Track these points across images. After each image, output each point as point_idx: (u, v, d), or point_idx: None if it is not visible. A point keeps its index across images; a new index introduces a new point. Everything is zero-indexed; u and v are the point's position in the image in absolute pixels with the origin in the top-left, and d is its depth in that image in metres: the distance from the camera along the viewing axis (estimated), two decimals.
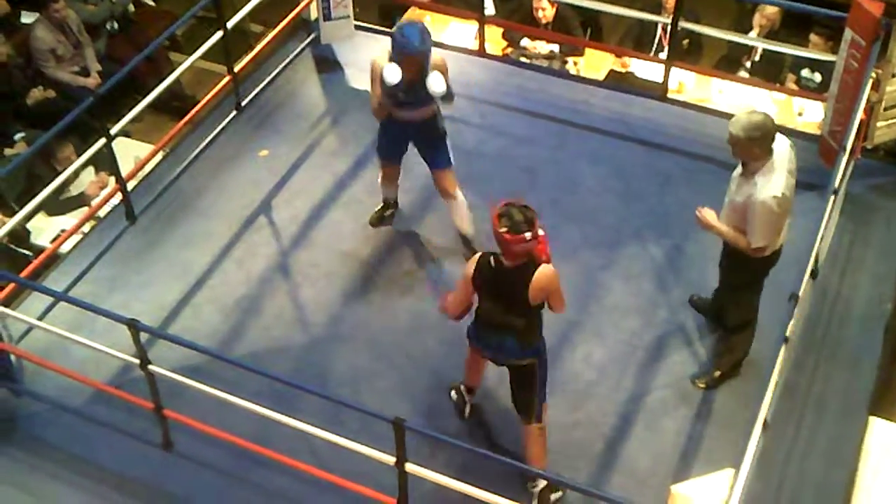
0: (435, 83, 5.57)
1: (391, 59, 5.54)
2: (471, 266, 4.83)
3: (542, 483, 5.08)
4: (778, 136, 4.93)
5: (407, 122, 5.87)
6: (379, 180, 6.37)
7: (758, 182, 4.88)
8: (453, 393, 5.52)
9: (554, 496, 5.14)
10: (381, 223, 6.48)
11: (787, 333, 4.74)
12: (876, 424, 5.35)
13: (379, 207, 6.48)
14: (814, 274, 5.56)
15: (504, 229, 4.54)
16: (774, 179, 4.86)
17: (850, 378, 5.58)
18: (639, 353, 5.78)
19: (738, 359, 5.59)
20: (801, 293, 4.87)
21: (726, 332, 5.64)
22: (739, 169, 5.05)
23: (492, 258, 4.77)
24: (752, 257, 5.10)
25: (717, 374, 5.62)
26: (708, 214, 5.17)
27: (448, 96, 5.71)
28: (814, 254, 5.22)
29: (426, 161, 6.05)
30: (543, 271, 4.68)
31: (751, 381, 5.44)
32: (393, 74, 5.52)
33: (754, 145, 4.83)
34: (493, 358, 5.06)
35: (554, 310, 4.89)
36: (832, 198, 5.44)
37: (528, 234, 4.54)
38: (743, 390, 5.49)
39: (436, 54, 5.66)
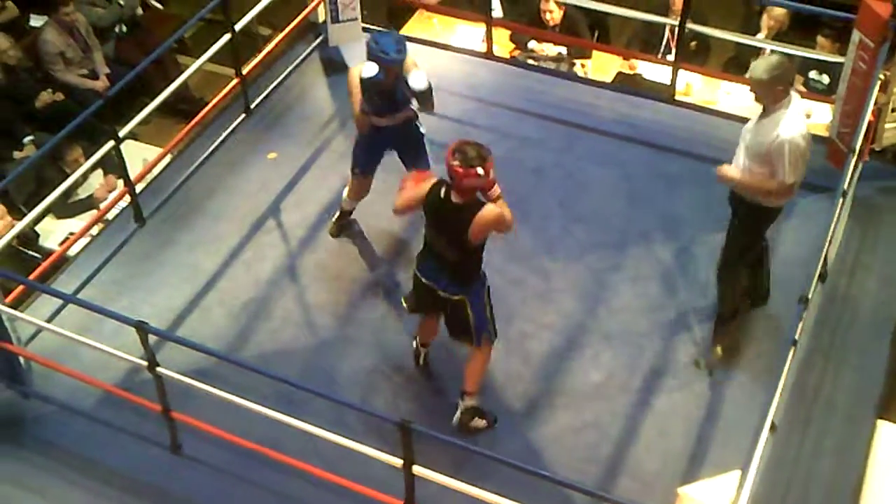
0: (417, 80, 5.65)
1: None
2: (426, 186, 4.97)
3: (471, 402, 5.27)
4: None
5: (386, 129, 5.93)
6: (346, 193, 6.36)
7: (781, 122, 5.05)
8: (413, 342, 5.68)
9: (476, 423, 5.32)
10: (342, 232, 6.48)
11: (796, 336, 4.74)
12: (884, 428, 5.34)
13: (337, 217, 6.48)
14: (822, 277, 5.56)
15: (456, 163, 4.67)
16: (795, 118, 5.08)
17: (858, 381, 5.57)
18: (646, 355, 5.77)
19: (731, 306, 5.69)
20: (809, 296, 4.86)
21: (717, 284, 5.76)
22: (753, 120, 5.23)
23: (443, 189, 4.89)
24: (766, 208, 5.30)
25: (719, 330, 5.72)
26: (728, 169, 5.31)
27: (428, 94, 5.71)
28: (822, 256, 5.22)
29: (406, 165, 6.09)
30: (486, 211, 4.78)
31: (759, 384, 5.43)
32: (370, 69, 5.60)
33: (778, 83, 5.04)
34: (431, 286, 5.14)
35: (502, 234, 5.02)
36: (840, 200, 5.44)
37: (479, 170, 4.66)
38: (751, 393, 5.48)
39: (409, 59, 5.74)
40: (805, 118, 5.14)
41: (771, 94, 5.08)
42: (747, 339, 5.76)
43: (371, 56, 5.61)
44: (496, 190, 4.88)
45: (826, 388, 5.53)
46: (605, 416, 5.51)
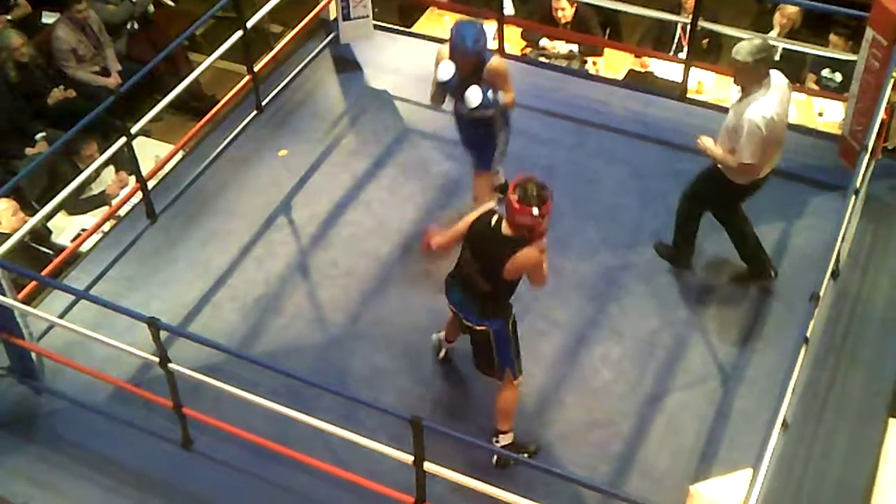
0: (471, 97, 5.61)
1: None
2: (474, 215, 4.93)
3: (506, 441, 5.21)
4: (777, 74, 5.40)
5: (461, 118, 5.95)
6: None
7: (751, 103, 5.31)
8: (434, 336, 5.72)
9: (523, 456, 5.19)
10: None
11: (808, 334, 4.72)
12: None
13: None
14: (834, 275, 5.54)
15: (515, 196, 4.64)
16: (766, 102, 5.30)
17: (870, 379, 5.55)
18: (657, 353, 5.77)
19: (752, 248, 5.98)
20: (821, 293, 4.85)
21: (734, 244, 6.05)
22: (737, 97, 5.49)
23: (494, 217, 4.84)
24: (732, 182, 5.60)
25: (752, 266, 6.05)
26: (706, 140, 5.63)
27: (483, 107, 5.64)
28: (834, 254, 5.20)
29: (472, 159, 6.11)
30: (527, 252, 4.73)
31: (770, 382, 5.41)
32: (445, 71, 5.61)
33: (761, 66, 5.28)
34: (455, 311, 5.15)
35: (533, 285, 4.98)
36: (853, 198, 5.41)
37: (535, 210, 4.62)
38: (762, 390, 5.48)
39: (498, 61, 5.73)
40: (779, 107, 5.33)
41: (754, 76, 5.31)
42: (759, 335, 5.76)
43: (450, 42, 5.62)
44: (543, 242, 4.81)
45: (838, 385, 5.52)
46: (616, 414, 5.50)
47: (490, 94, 5.64)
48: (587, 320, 5.94)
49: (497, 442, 5.24)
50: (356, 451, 4.78)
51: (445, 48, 5.70)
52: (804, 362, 4.81)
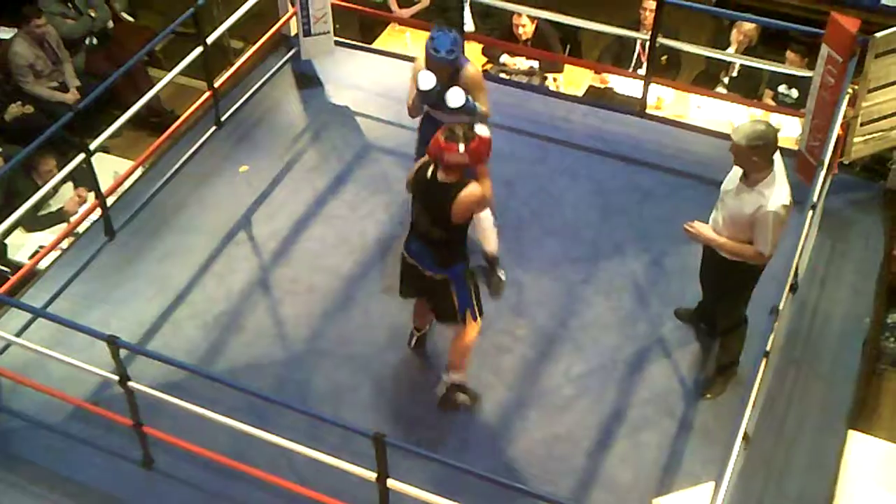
0: (452, 97, 5.60)
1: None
2: (413, 170, 5.17)
3: (456, 377, 5.42)
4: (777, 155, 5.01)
5: (440, 123, 5.89)
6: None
7: (765, 193, 4.94)
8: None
9: (458, 398, 5.48)
10: None
11: (768, 347, 4.76)
12: (855, 438, 5.39)
13: None
14: (793, 288, 5.60)
15: (443, 137, 4.84)
16: (781, 189, 4.96)
17: (829, 391, 5.61)
18: (619, 368, 5.79)
19: (735, 356, 5.60)
20: (781, 307, 4.89)
21: (720, 337, 5.65)
22: (734, 181, 5.09)
23: (430, 168, 5.01)
24: (751, 265, 5.17)
25: (719, 378, 5.65)
26: (702, 227, 5.22)
27: (467, 112, 5.63)
28: (793, 268, 5.25)
29: None
30: (467, 192, 4.90)
31: (732, 395, 5.46)
32: (426, 81, 5.58)
33: (754, 154, 4.90)
34: (413, 262, 5.25)
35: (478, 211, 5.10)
36: (810, 213, 5.48)
37: (461, 147, 4.81)
38: (724, 404, 5.51)
39: (474, 69, 5.75)
40: (788, 185, 5.00)
41: (747, 162, 4.95)
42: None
43: (426, 50, 5.60)
44: (483, 169, 5.06)
45: (798, 398, 5.57)
46: (578, 429, 5.51)
47: (470, 98, 5.65)
48: (549, 335, 5.96)
49: (446, 377, 5.45)
50: (319, 468, 4.76)
51: (421, 59, 5.70)
52: (764, 375, 4.86)
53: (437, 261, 5.17)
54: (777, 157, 5.01)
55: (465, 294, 5.25)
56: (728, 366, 5.63)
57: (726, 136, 5.41)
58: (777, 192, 4.94)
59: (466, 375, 5.54)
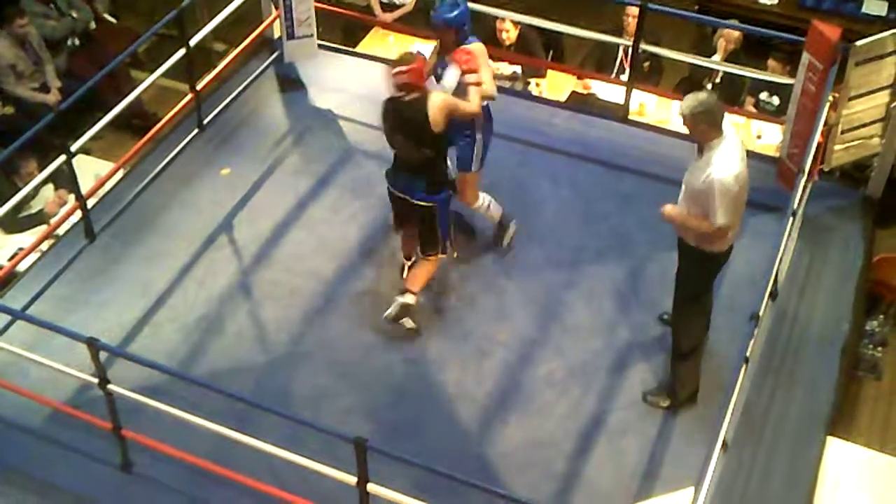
0: (447, 77, 5.67)
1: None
2: (382, 105, 5.61)
3: (409, 300, 5.80)
4: (732, 128, 5.13)
5: None
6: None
7: (714, 162, 5.00)
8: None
9: (406, 322, 5.87)
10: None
11: (747, 354, 4.78)
12: (833, 444, 5.42)
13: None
14: (773, 295, 5.62)
15: (391, 66, 5.46)
16: (730, 158, 5.01)
17: (808, 398, 5.64)
18: (600, 373, 5.81)
19: (690, 392, 5.59)
20: (761, 313, 4.91)
21: (675, 361, 5.59)
22: (695, 157, 5.17)
23: (391, 98, 5.53)
24: (709, 254, 5.24)
25: (663, 396, 5.64)
26: (669, 208, 5.29)
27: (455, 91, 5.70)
28: (773, 275, 5.27)
29: None
30: (433, 98, 5.45)
31: (711, 402, 5.47)
32: (450, 78, 5.70)
33: (699, 121, 5.01)
34: (400, 195, 5.73)
35: (466, 115, 5.65)
36: (791, 219, 5.51)
37: (402, 68, 5.38)
38: (703, 410, 5.53)
39: (477, 46, 5.82)
40: (741, 159, 5.05)
41: (696, 132, 5.06)
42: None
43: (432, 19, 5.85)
44: (472, 77, 5.61)
45: (777, 405, 5.59)
46: (559, 434, 5.52)
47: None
48: (530, 340, 5.97)
49: (401, 298, 5.80)
50: (299, 472, 4.76)
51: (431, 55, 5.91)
52: (744, 382, 4.88)
53: (425, 188, 5.61)
54: (732, 133, 5.09)
55: (445, 224, 5.77)
56: (682, 353, 5.53)
57: None
58: (724, 162, 4.99)
59: (418, 301, 5.87)
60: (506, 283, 6.27)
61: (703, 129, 5.02)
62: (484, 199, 6.23)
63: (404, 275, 6.13)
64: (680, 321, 5.55)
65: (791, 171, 6.37)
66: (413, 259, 6.14)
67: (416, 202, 5.68)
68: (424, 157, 5.55)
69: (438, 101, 5.45)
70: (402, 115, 5.48)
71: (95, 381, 4.91)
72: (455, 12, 5.69)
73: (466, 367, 5.82)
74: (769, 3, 9.79)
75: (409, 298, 5.82)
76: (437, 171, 5.65)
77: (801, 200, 5.88)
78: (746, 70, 7.43)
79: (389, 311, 5.82)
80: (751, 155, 6.63)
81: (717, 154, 5.01)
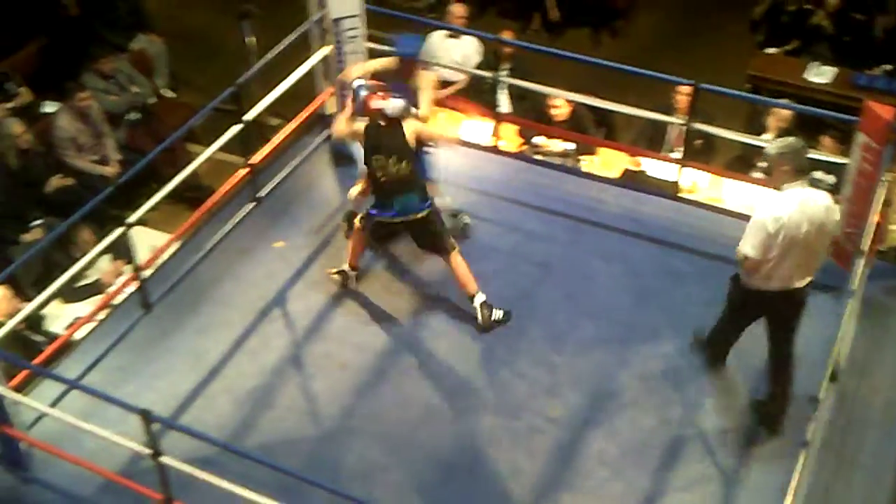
0: (391, 106, 6.15)
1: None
2: (360, 130, 6.24)
3: (481, 298, 6.28)
4: (820, 192, 5.31)
5: None
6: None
7: (771, 198, 5.23)
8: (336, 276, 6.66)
9: (495, 316, 6.34)
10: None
11: (808, 437, 4.69)
12: None
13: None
14: (833, 377, 5.53)
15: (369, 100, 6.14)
16: (785, 203, 5.17)
17: (869, 483, 5.50)
18: (654, 453, 5.72)
19: (711, 354, 6.06)
20: (821, 396, 4.83)
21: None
22: None
23: (373, 124, 6.16)
24: (740, 279, 5.48)
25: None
26: None
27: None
28: (833, 357, 5.19)
29: None
30: (408, 125, 6.13)
31: (771, 485, 5.36)
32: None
33: (784, 161, 5.18)
34: (400, 220, 6.24)
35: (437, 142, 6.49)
36: (849, 300, 5.44)
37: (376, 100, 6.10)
38: (761, 494, 5.41)
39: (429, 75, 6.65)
40: (799, 212, 5.18)
41: (777, 172, 5.23)
42: (757, 436, 5.69)
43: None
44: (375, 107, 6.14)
45: (838, 489, 5.46)
46: None
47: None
48: (583, 418, 5.90)
49: (474, 303, 6.30)
50: None
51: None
52: (804, 465, 4.78)
53: (421, 197, 6.19)
54: (809, 190, 5.21)
55: (442, 222, 6.33)
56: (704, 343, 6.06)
57: None
58: (777, 202, 5.18)
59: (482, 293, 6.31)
60: (557, 360, 6.23)
61: (786, 171, 5.18)
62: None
63: (349, 284, 6.63)
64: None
65: (847, 250, 6.30)
66: (356, 272, 6.64)
67: (420, 216, 6.19)
68: (410, 169, 6.10)
69: (415, 126, 6.15)
70: (386, 138, 6.10)
71: (148, 451, 4.92)
72: (409, 50, 6.60)
73: (517, 443, 5.76)
74: (821, 82, 9.80)
75: (481, 297, 6.31)
76: (420, 178, 6.26)
77: (858, 281, 5.81)
78: None
79: (479, 319, 6.30)
80: None
81: (780, 195, 5.20)
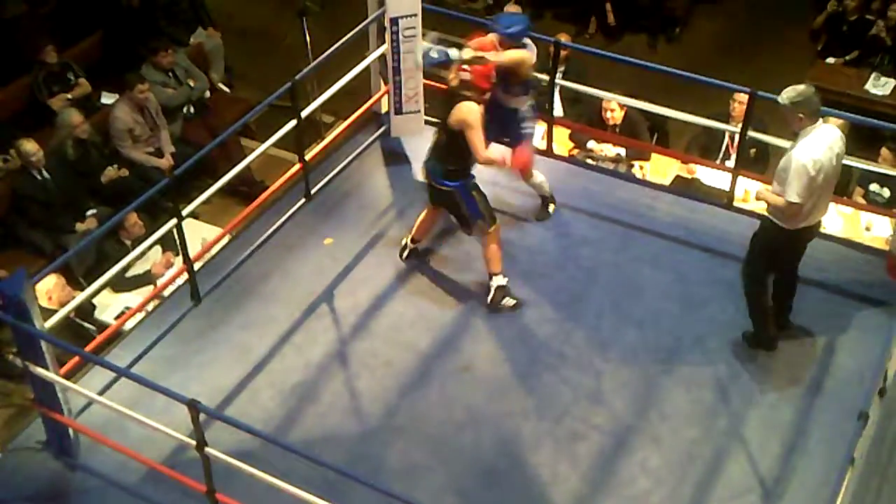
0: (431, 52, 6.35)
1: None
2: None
3: (498, 282, 6.38)
4: (831, 125, 5.61)
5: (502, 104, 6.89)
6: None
7: (799, 144, 5.49)
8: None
9: (506, 303, 6.40)
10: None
11: (854, 454, 4.63)
12: None
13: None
14: (881, 392, 5.45)
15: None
16: (813, 145, 5.46)
17: None
18: (697, 463, 5.67)
19: (763, 339, 6.18)
20: (869, 412, 4.76)
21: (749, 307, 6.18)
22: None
23: (450, 88, 6.27)
24: (776, 226, 5.73)
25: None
26: (760, 187, 6.00)
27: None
28: (883, 372, 5.12)
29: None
30: (465, 105, 6.07)
31: (815, 500, 5.29)
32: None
33: (798, 109, 5.47)
34: (428, 182, 6.42)
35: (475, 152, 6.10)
36: None
37: (467, 68, 6.13)
38: None
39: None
40: (829, 149, 5.48)
41: (792, 119, 5.50)
42: (802, 450, 5.63)
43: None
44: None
45: None
46: None
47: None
48: (626, 426, 5.87)
49: (491, 283, 6.38)
50: None
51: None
52: (850, 482, 4.71)
53: (442, 173, 6.24)
54: (828, 127, 5.56)
55: (473, 203, 6.28)
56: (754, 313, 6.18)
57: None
58: (808, 145, 5.45)
59: (504, 277, 6.39)
60: (603, 366, 6.20)
61: (801, 118, 5.48)
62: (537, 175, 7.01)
63: (404, 256, 6.78)
64: (746, 271, 6.15)
65: None
66: (416, 244, 6.79)
67: (437, 185, 6.32)
68: (444, 141, 6.19)
69: (463, 108, 6.05)
70: (446, 99, 6.25)
71: (193, 442, 4.96)
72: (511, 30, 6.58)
73: (560, 449, 5.74)
74: (881, 94, 9.67)
75: (499, 280, 6.38)
76: (453, 159, 6.20)
77: None
78: (856, 160, 7.29)
79: (489, 299, 6.40)
80: (859, 248, 6.56)
81: (806, 139, 5.47)
